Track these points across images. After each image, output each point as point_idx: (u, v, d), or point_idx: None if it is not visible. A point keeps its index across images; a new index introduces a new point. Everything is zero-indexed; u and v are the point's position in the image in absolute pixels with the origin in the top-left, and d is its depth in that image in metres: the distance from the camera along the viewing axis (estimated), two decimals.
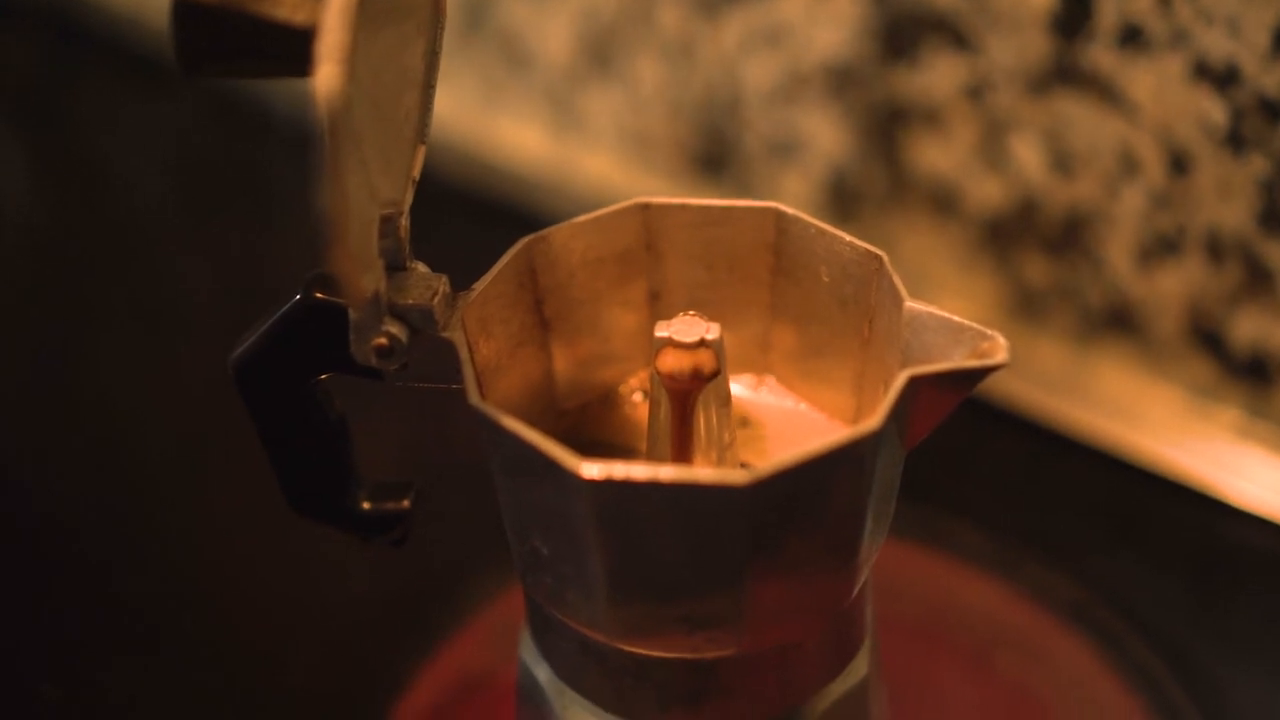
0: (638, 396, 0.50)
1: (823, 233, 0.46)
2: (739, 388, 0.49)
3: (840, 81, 0.73)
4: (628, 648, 0.43)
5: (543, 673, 0.47)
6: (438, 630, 0.61)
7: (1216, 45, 0.61)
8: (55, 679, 0.62)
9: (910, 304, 0.43)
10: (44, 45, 1.04)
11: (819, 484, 0.40)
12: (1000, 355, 0.41)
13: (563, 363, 0.49)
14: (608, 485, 0.39)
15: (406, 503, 0.48)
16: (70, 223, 0.92)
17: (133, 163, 0.96)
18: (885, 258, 0.44)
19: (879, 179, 0.75)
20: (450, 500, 0.55)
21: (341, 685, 0.60)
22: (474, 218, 0.78)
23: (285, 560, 0.65)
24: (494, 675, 0.58)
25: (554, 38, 0.83)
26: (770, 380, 0.50)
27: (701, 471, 0.40)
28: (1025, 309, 0.73)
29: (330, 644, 0.63)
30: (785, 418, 0.49)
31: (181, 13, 0.38)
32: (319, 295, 0.43)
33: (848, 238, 0.46)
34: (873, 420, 0.40)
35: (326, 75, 0.35)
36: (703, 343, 0.44)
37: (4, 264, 0.90)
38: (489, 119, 0.88)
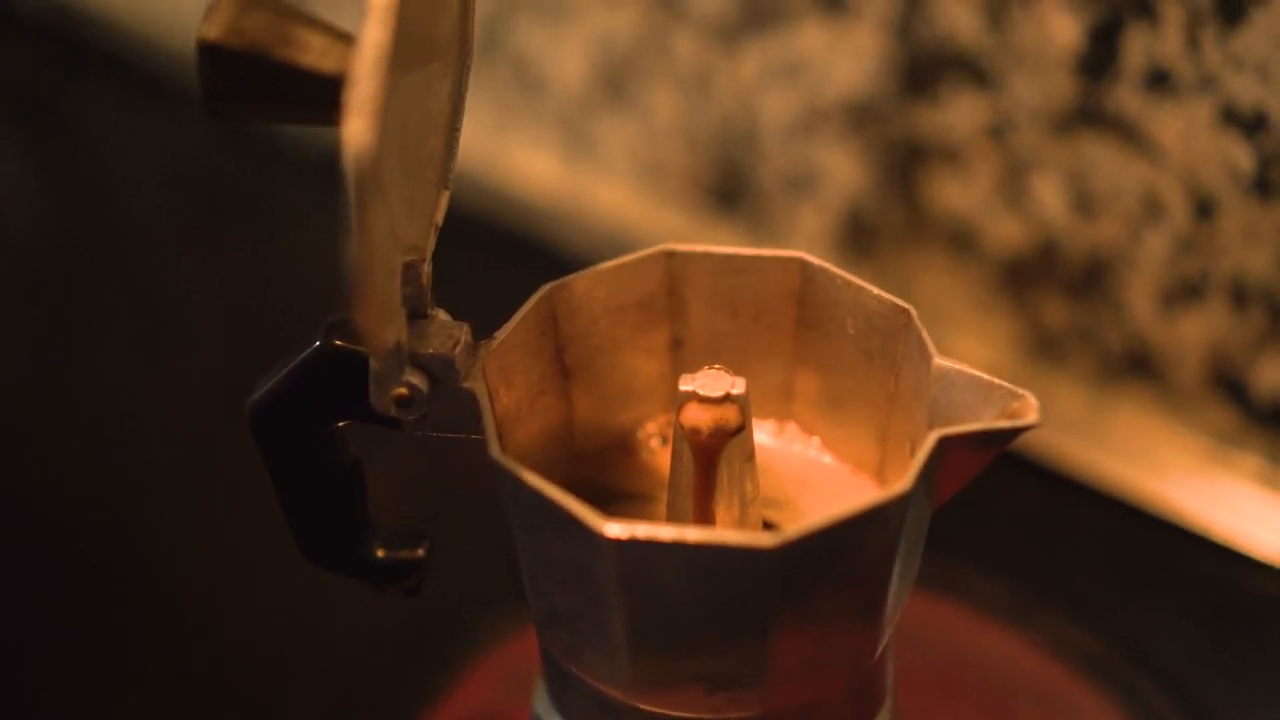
0: (655, 442, 0.49)
1: (849, 284, 0.46)
2: (760, 434, 0.49)
3: (859, 117, 0.73)
4: (647, 707, 0.43)
5: None
6: (448, 671, 0.61)
7: (1245, 91, 0.61)
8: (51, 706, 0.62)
9: (939, 360, 0.42)
10: (48, 56, 1.03)
11: (847, 546, 0.40)
12: (1031, 416, 0.41)
13: (582, 410, 0.48)
14: (631, 545, 0.38)
15: (421, 551, 0.48)
16: (72, 232, 0.92)
17: (134, 174, 0.96)
18: (914, 312, 0.44)
19: (896, 216, 0.74)
20: (463, 540, 0.55)
21: None
22: (484, 247, 0.77)
23: (292, 590, 0.64)
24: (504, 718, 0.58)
25: (568, 65, 0.83)
26: (792, 427, 0.49)
27: (728, 534, 0.39)
28: (1043, 352, 0.72)
29: (337, 682, 0.62)
30: (808, 469, 0.48)
31: (207, 56, 0.38)
32: (338, 343, 0.43)
33: (875, 290, 0.45)
34: (902, 482, 0.39)
35: (358, 130, 0.34)
36: (728, 397, 0.43)
37: (5, 272, 0.90)
38: (501, 147, 0.87)
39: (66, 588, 0.67)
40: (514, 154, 0.87)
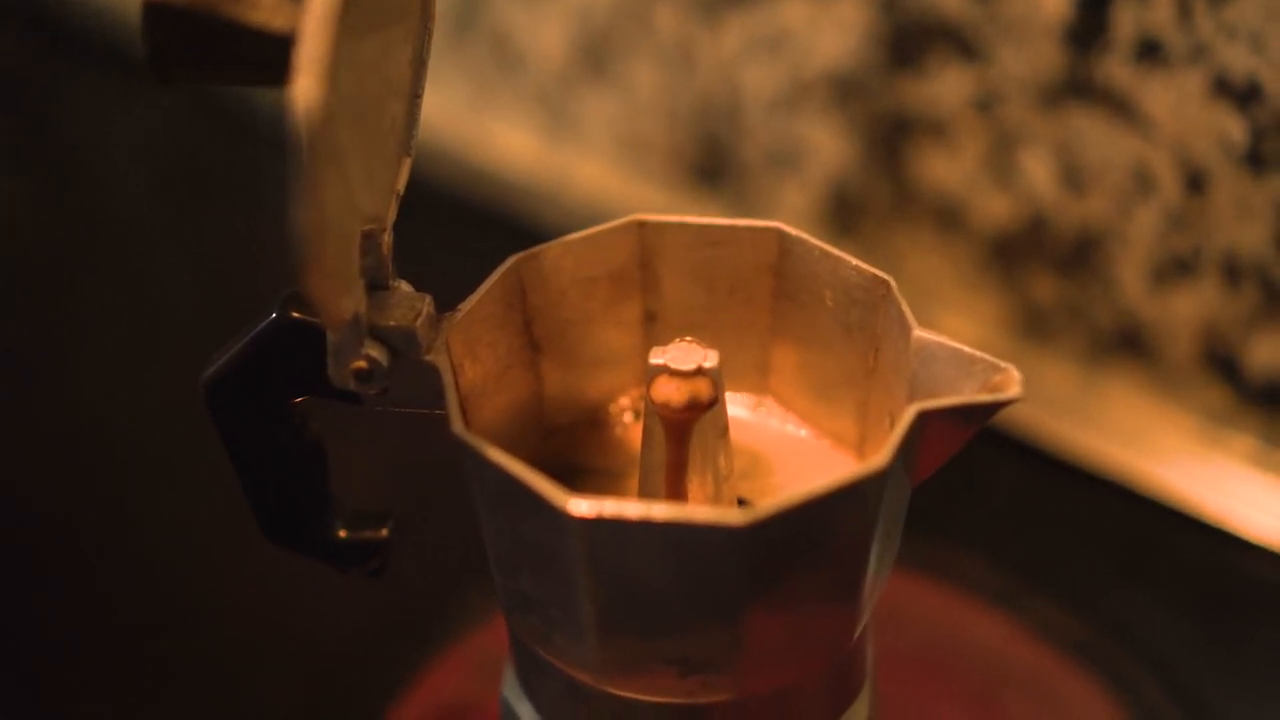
0: (628, 416, 0.49)
1: (827, 255, 0.45)
2: (737, 409, 0.48)
3: (843, 90, 0.72)
4: (618, 691, 0.42)
5: (526, 713, 0.46)
6: (416, 657, 0.60)
7: (1238, 61, 0.60)
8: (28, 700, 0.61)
9: (919, 333, 0.42)
10: (26, 42, 1.03)
11: (821, 524, 0.39)
12: (1013, 389, 0.40)
13: (552, 384, 0.47)
14: (598, 523, 0.38)
15: (385, 532, 0.47)
16: (52, 220, 0.91)
17: (115, 160, 0.96)
18: (893, 283, 0.43)
19: (882, 192, 0.73)
20: (431, 524, 0.55)
21: (317, 715, 0.59)
22: (461, 226, 0.77)
23: (261, 581, 0.63)
24: (474, 707, 0.57)
25: (547, 39, 0.82)
26: (769, 402, 0.49)
27: (697, 510, 0.38)
28: (1032, 329, 0.71)
29: (305, 669, 0.62)
30: (785, 444, 0.48)
31: (152, 15, 0.36)
32: (295, 314, 0.42)
33: (854, 261, 0.44)
34: (879, 457, 0.39)
35: (305, 87, 0.33)
36: (700, 371, 0.42)
37: None
38: (479, 122, 0.87)
39: (31, 601, 0.66)
40: (493, 130, 0.87)
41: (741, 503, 0.45)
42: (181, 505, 0.69)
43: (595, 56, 0.81)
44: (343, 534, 0.46)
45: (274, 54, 0.36)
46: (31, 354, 0.81)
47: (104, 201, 0.92)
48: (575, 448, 0.48)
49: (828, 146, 0.74)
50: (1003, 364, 0.40)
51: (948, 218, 0.72)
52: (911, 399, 0.41)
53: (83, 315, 0.83)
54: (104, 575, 0.66)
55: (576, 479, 0.46)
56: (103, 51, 0.97)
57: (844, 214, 0.75)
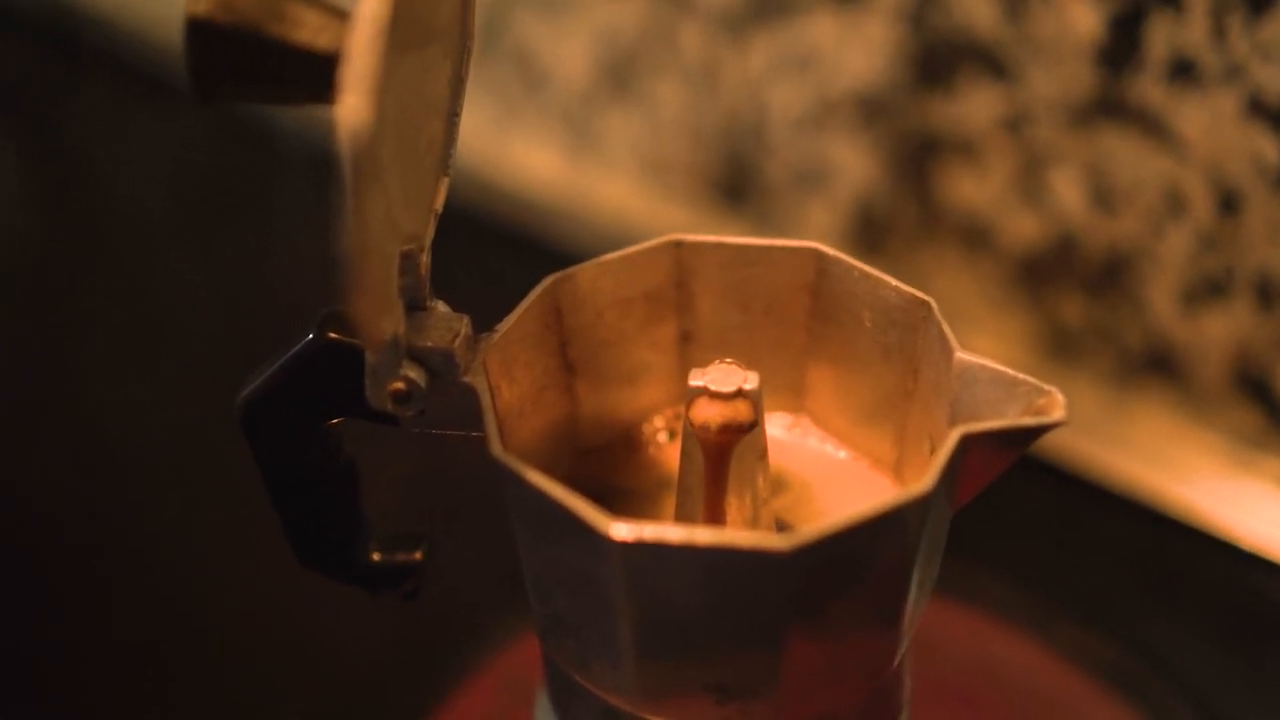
0: (663, 436, 0.48)
1: (866, 275, 0.44)
2: (773, 429, 0.47)
3: (871, 109, 0.72)
4: (654, 718, 0.42)
5: None
6: (447, 679, 0.59)
7: (1273, 81, 0.60)
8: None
9: (960, 355, 0.42)
10: (41, 55, 1.03)
11: (864, 549, 0.39)
12: (1058, 413, 0.40)
13: (587, 405, 0.47)
14: (639, 547, 0.37)
15: (419, 555, 0.46)
16: (65, 232, 0.91)
17: (129, 173, 0.95)
18: (934, 305, 0.43)
19: (909, 212, 0.73)
20: (464, 543, 0.54)
21: None
22: (487, 244, 0.77)
23: (289, 595, 0.63)
24: None
25: (572, 58, 0.82)
26: (806, 421, 0.48)
27: (740, 535, 0.38)
28: (1061, 350, 0.71)
29: (334, 689, 0.62)
30: (823, 466, 0.47)
31: (195, 33, 0.36)
32: (333, 335, 0.41)
33: (893, 282, 0.44)
34: (923, 482, 0.38)
35: (353, 108, 0.32)
36: (740, 393, 0.41)
37: None
38: (502, 141, 0.87)
39: (58, 589, 0.66)
40: (516, 149, 0.86)
41: (780, 526, 0.45)
42: (198, 524, 0.69)
43: (620, 75, 0.80)
44: (376, 557, 0.46)
45: (317, 72, 0.36)
46: (43, 366, 0.81)
47: (118, 216, 0.92)
48: (609, 468, 0.47)
49: (854, 166, 0.74)
50: (1046, 387, 0.40)
51: (975, 238, 0.71)
52: (953, 422, 0.41)
53: (95, 328, 0.83)
54: (118, 595, 0.66)
55: (612, 500, 0.46)
56: (119, 65, 0.97)
57: (870, 234, 0.75)
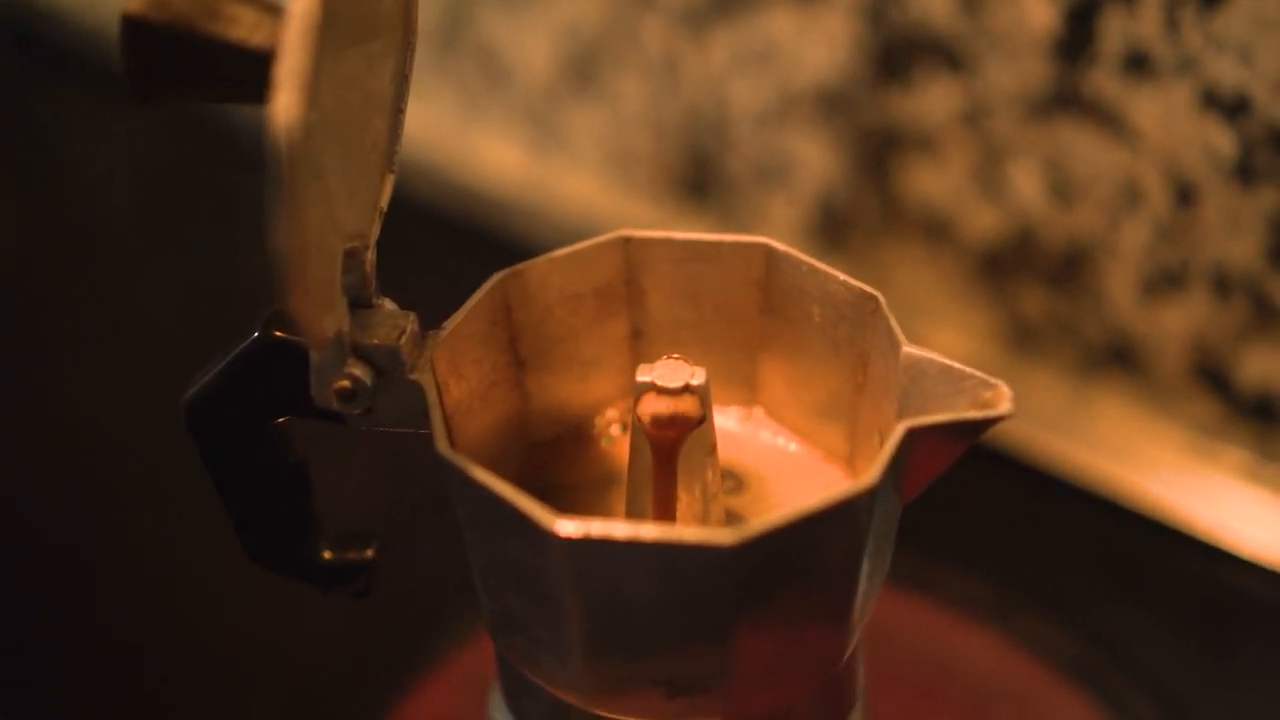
0: (615, 429, 0.48)
1: (815, 270, 0.44)
2: (726, 421, 0.47)
3: (831, 104, 0.72)
4: (605, 713, 0.42)
5: None
6: (402, 678, 0.59)
7: (1226, 74, 0.59)
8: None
9: (908, 349, 0.41)
10: (8, 57, 1.02)
11: (811, 543, 0.39)
12: (1004, 406, 0.39)
13: (538, 401, 0.47)
14: (585, 544, 0.37)
15: (370, 552, 0.46)
16: (31, 230, 0.91)
17: (96, 175, 0.95)
18: (881, 299, 0.43)
19: (870, 206, 0.73)
20: (416, 539, 0.54)
21: None
22: (449, 240, 0.76)
23: (245, 599, 0.63)
24: None
25: (534, 53, 0.81)
26: (759, 414, 0.48)
27: (685, 530, 0.37)
28: (1021, 343, 0.71)
29: (290, 691, 0.61)
30: (777, 459, 0.47)
31: (130, 32, 0.36)
32: (278, 333, 0.41)
33: (842, 276, 0.44)
34: (868, 476, 0.38)
35: (285, 104, 0.32)
36: (687, 388, 0.41)
37: None
38: (465, 137, 0.86)
39: (25, 584, 0.66)
40: (479, 145, 0.86)
41: (733, 519, 0.44)
42: (164, 522, 0.68)
43: (582, 70, 0.80)
44: (327, 555, 0.46)
45: (254, 70, 0.36)
46: (11, 364, 0.80)
47: (84, 216, 0.92)
48: (560, 462, 0.47)
49: (815, 160, 0.74)
50: (993, 380, 0.40)
51: (936, 231, 0.71)
52: (901, 416, 0.41)
53: (62, 329, 0.82)
54: (86, 593, 0.66)
55: (561, 494, 0.46)
56: (83, 67, 0.97)
57: (832, 228, 0.75)
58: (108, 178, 0.95)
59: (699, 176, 0.79)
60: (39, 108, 0.99)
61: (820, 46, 0.71)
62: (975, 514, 0.65)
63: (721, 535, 0.36)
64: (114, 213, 0.93)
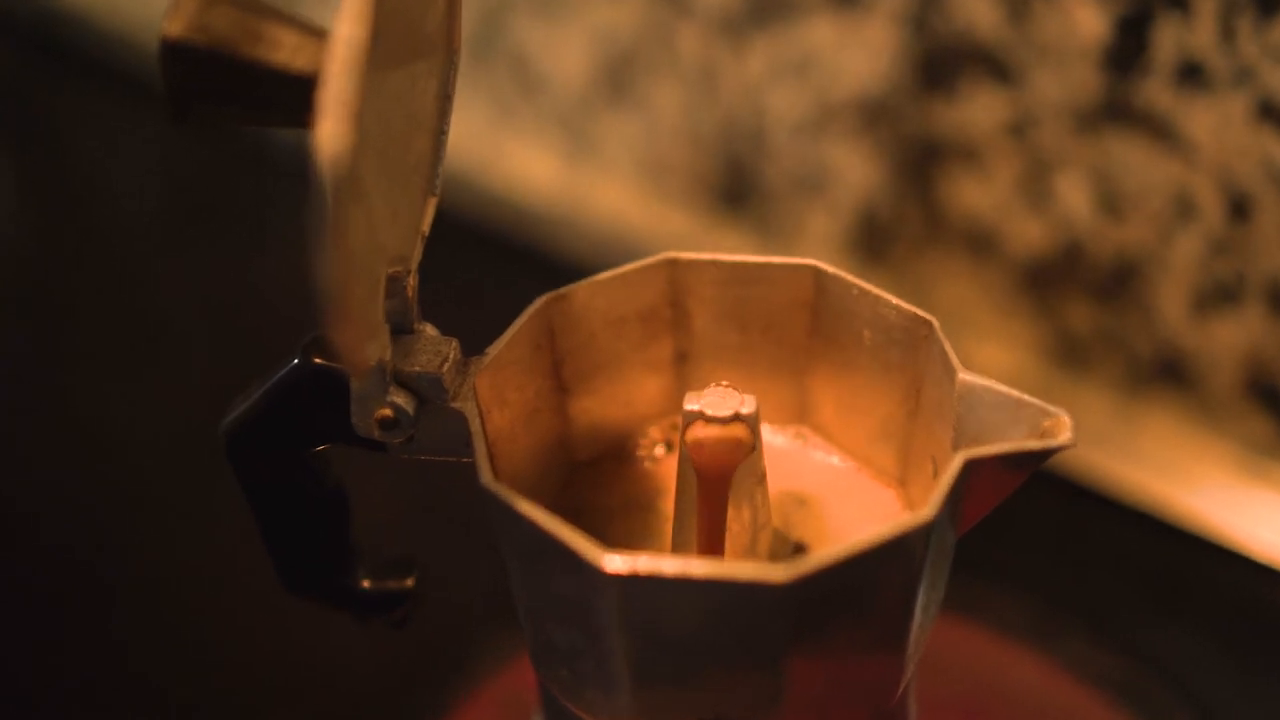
0: (660, 450, 0.47)
1: (865, 293, 0.43)
2: (775, 438, 0.46)
3: (872, 114, 0.71)
4: None
5: None
6: (442, 702, 0.59)
7: None
8: None
9: (964, 376, 0.40)
10: (30, 61, 1.02)
11: (866, 578, 0.38)
12: (1065, 435, 0.39)
13: (580, 426, 0.46)
14: (633, 579, 0.36)
15: (410, 581, 0.45)
16: (57, 239, 0.91)
17: (124, 184, 0.95)
18: (936, 324, 0.42)
19: (912, 218, 0.72)
20: (465, 559, 0.53)
21: None
22: (481, 253, 0.76)
23: (287, 611, 0.61)
24: None
25: (569, 61, 0.81)
26: (809, 433, 0.47)
27: (736, 566, 0.37)
28: (1068, 358, 0.70)
29: (334, 707, 0.61)
30: (829, 480, 0.46)
31: (171, 55, 0.35)
32: (318, 360, 0.40)
33: (894, 300, 0.43)
34: (926, 509, 0.37)
35: (330, 133, 0.31)
36: (737, 417, 0.40)
37: None
38: (498, 147, 0.86)
39: (49, 594, 0.66)
40: (512, 155, 0.86)
41: (786, 543, 0.44)
42: (197, 535, 0.68)
43: (617, 79, 0.79)
44: (366, 584, 0.45)
45: (296, 95, 0.35)
46: (34, 372, 0.80)
47: (110, 222, 0.92)
48: (601, 482, 0.46)
49: (856, 171, 0.73)
50: (1053, 409, 0.39)
51: (980, 244, 0.70)
52: (956, 443, 0.40)
53: (87, 334, 0.82)
54: (110, 606, 0.66)
55: (602, 515, 0.45)
56: (112, 75, 0.96)
57: (873, 240, 0.74)
58: (133, 184, 0.94)
59: (736, 187, 0.78)
60: (64, 113, 0.99)
61: (861, 55, 0.70)
62: (1021, 534, 0.64)
63: (774, 572, 0.35)
64: (140, 220, 0.93)
